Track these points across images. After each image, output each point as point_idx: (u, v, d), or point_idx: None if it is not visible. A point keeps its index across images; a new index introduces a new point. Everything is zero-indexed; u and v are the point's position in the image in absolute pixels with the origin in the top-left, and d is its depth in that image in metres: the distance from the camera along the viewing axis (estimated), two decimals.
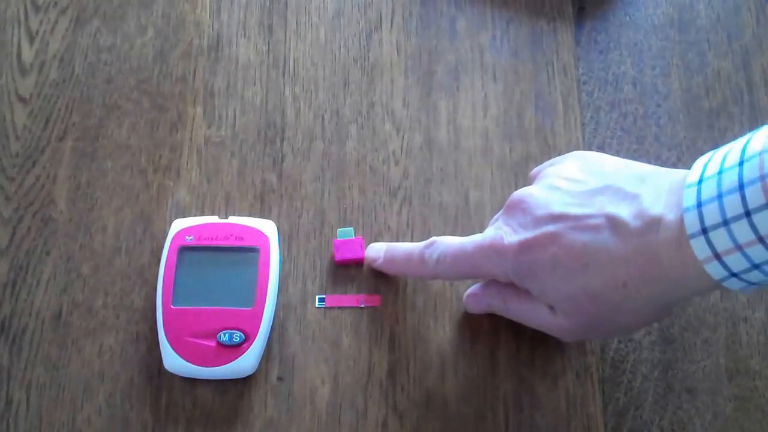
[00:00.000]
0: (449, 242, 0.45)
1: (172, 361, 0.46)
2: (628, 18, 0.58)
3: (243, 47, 0.56)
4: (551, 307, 0.43)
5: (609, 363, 0.49)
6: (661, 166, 0.42)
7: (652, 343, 0.49)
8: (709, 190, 0.35)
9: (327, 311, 0.50)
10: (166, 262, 0.48)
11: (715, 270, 0.36)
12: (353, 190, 0.53)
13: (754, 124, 0.55)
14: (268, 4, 0.57)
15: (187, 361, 0.46)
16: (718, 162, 0.36)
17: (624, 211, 0.39)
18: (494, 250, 0.42)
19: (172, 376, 0.47)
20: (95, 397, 0.47)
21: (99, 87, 0.55)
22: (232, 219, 0.50)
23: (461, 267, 0.45)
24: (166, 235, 0.49)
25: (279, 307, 0.49)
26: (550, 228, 0.41)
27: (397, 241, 0.51)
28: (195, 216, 0.51)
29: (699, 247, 0.36)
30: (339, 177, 0.53)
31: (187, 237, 0.49)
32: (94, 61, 0.55)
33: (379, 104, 0.55)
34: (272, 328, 0.48)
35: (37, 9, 0.57)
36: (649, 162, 0.44)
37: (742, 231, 0.34)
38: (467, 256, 0.44)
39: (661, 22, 0.58)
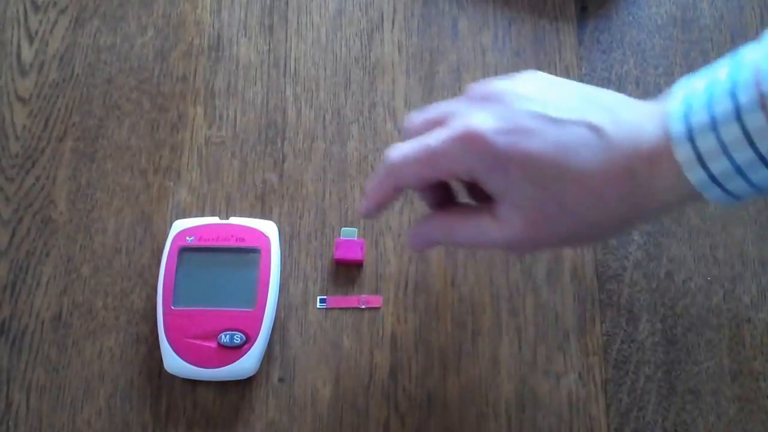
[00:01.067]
0: (402, 145, 0.41)
1: (173, 362, 0.46)
2: (631, 17, 0.58)
3: (244, 47, 0.56)
4: (498, 219, 0.39)
5: (612, 364, 0.49)
6: None
7: (655, 344, 0.49)
8: (697, 97, 0.35)
9: (328, 312, 0.50)
10: (166, 262, 0.48)
11: (696, 175, 0.35)
12: (354, 190, 0.52)
13: None
14: (268, 3, 0.57)
15: (188, 362, 0.46)
16: (706, 79, 0.36)
17: (603, 119, 0.38)
18: (467, 140, 0.38)
19: (173, 378, 0.47)
20: (95, 398, 0.47)
21: (99, 87, 0.55)
22: (233, 220, 0.50)
23: (424, 168, 0.40)
24: (167, 235, 0.49)
25: (280, 308, 0.49)
26: (530, 124, 0.38)
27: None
28: (195, 217, 0.51)
29: (681, 149, 0.35)
30: (340, 177, 0.53)
31: (187, 238, 0.48)
32: (94, 61, 0.55)
33: (381, 104, 0.55)
34: (273, 329, 0.48)
35: (36, 9, 0.56)
36: None
37: (729, 130, 0.33)
38: (431, 152, 0.39)
39: (664, 21, 0.58)
